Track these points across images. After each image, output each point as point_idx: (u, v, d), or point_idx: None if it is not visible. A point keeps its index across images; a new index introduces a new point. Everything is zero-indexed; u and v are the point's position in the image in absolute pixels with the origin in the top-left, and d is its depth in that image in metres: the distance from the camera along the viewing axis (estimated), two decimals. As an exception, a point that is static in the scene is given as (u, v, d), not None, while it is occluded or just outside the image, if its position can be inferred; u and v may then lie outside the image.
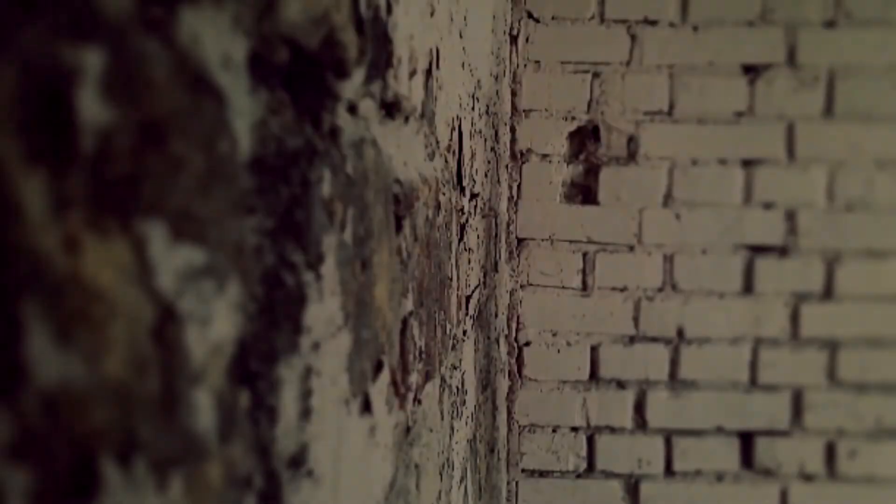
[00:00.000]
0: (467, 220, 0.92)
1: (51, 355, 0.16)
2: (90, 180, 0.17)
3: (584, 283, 1.71)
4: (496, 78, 1.41)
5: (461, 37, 0.83)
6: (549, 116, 1.70)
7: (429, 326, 0.60)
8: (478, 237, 1.08)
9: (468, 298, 0.95)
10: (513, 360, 1.73)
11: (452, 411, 0.81)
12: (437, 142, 0.64)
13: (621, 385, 1.73)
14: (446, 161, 0.71)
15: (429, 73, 0.57)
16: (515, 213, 1.71)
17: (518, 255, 1.72)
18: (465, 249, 0.91)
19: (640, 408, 1.72)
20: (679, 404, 1.72)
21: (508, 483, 1.73)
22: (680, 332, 1.72)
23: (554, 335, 1.72)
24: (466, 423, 0.97)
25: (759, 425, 1.72)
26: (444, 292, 0.70)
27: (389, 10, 0.43)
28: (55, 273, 0.16)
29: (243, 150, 0.25)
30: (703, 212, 1.71)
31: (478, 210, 1.06)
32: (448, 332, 0.74)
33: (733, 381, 1.72)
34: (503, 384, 1.69)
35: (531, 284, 1.72)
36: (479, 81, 1.07)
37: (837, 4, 1.69)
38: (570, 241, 1.71)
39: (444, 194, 0.68)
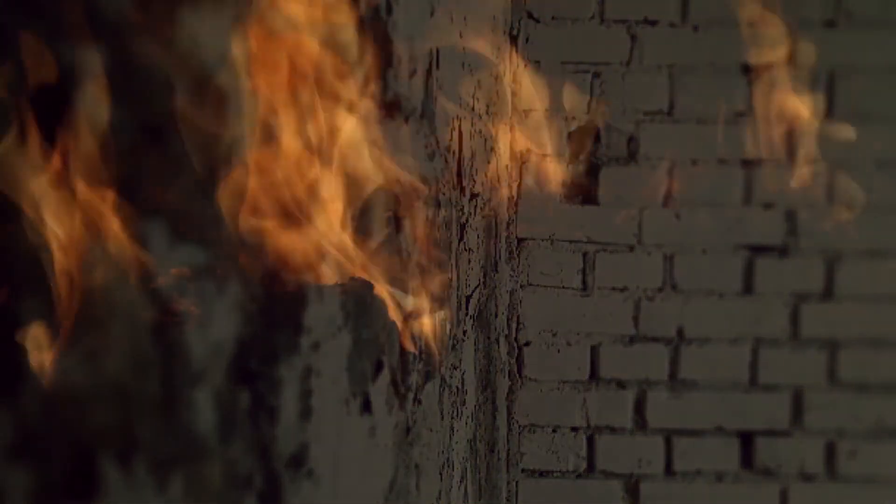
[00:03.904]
0: (467, 220, 0.92)
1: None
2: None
3: (584, 282, 1.71)
4: (496, 78, 1.41)
5: (461, 37, 0.83)
6: (549, 116, 1.70)
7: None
8: (478, 237, 1.08)
9: (468, 298, 0.95)
10: (513, 360, 1.73)
11: (452, 411, 0.81)
12: (437, 142, 0.64)
13: (621, 385, 1.72)
14: (446, 161, 0.71)
15: (429, 73, 0.57)
16: (515, 213, 1.71)
17: (518, 255, 1.72)
18: (465, 249, 0.91)
19: (640, 408, 1.72)
20: (679, 404, 1.72)
21: (508, 483, 1.73)
22: (680, 332, 1.72)
23: (554, 335, 1.72)
24: (466, 423, 0.97)
25: (759, 425, 1.72)
26: (444, 292, 0.70)
27: (389, 10, 0.43)
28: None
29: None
30: (703, 212, 1.71)
31: (478, 210, 1.06)
32: (448, 332, 0.74)
33: (733, 381, 1.72)
34: (503, 384, 1.69)
35: (531, 284, 1.72)
36: (479, 81, 1.07)
37: (837, 4, 1.69)
38: (570, 241, 1.71)
39: (444, 194, 0.68)
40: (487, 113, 1.23)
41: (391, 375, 0.46)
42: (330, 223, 0.34)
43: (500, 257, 1.53)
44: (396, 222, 0.47)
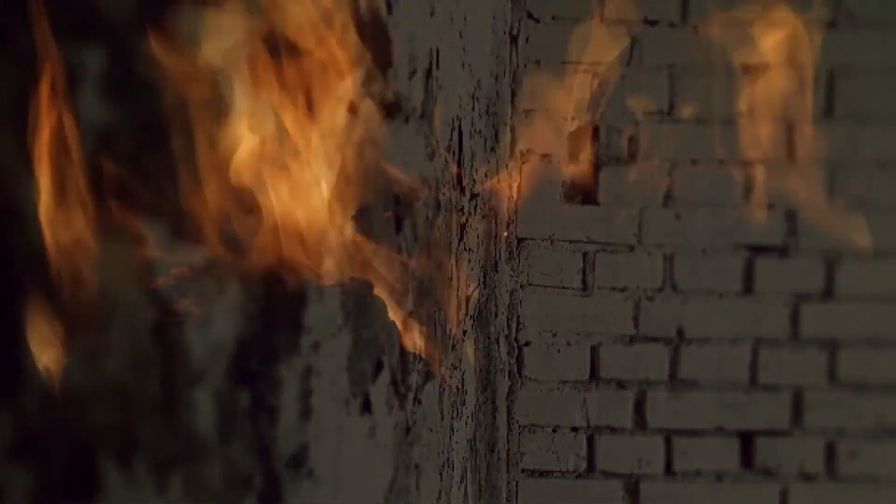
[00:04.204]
0: (467, 220, 0.92)
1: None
2: (91, 180, 0.17)
3: (584, 282, 1.71)
4: (496, 78, 1.41)
5: (461, 37, 0.83)
6: (550, 116, 1.70)
7: (429, 326, 0.60)
8: (478, 237, 1.08)
9: (468, 298, 0.95)
10: (513, 360, 1.73)
11: (452, 411, 0.81)
12: (437, 142, 0.64)
13: (621, 385, 1.72)
14: (446, 161, 0.71)
15: (429, 73, 0.57)
16: (515, 213, 1.71)
17: (518, 255, 1.72)
18: (465, 249, 0.91)
19: (640, 408, 1.72)
20: (679, 404, 1.72)
21: (508, 483, 1.73)
22: (680, 332, 1.72)
23: (554, 335, 1.72)
24: (466, 423, 0.97)
25: (759, 425, 1.72)
26: (444, 292, 0.70)
27: (389, 10, 0.43)
28: (56, 273, 0.16)
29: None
30: (703, 212, 1.71)
31: (478, 210, 1.06)
32: (448, 332, 0.74)
33: (733, 381, 1.72)
34: (503, 384, 1.69)
35: (531, 284, 1.72)
36: (479, 81, 1.07)
37: (837, 4, 1.69)
38: (570, 241, 1.71)
39: (444, 194, 0.68)
40: (487, 113, 1.23)
41: (391, 375, 0.46)
42: (330, 223, 0.34)
43: (500, 257, 1.53)
44: (396, 222, 0.47)
